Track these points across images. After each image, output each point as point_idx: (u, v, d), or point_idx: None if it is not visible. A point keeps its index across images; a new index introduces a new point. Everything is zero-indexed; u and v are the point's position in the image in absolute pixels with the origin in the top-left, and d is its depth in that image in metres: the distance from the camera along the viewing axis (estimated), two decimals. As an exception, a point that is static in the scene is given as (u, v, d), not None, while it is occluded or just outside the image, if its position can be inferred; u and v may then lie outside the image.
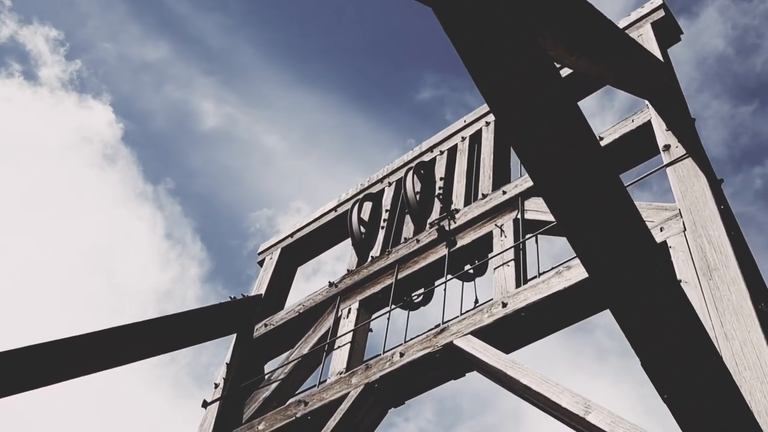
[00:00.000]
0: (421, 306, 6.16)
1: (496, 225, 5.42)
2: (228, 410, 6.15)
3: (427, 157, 7.04)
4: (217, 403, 6.22)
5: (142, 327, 6.06)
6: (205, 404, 6.31)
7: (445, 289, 5.42)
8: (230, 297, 7.08)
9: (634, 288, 2.27)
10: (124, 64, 24.77)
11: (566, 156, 2.20)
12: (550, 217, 5.09)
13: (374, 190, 7.35)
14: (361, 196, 7.20)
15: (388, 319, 5.66)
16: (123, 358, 6.01)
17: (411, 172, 6.66)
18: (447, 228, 5.79)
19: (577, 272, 4.39)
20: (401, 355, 5.03)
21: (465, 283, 5.79)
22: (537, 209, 5.28)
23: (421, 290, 5.69)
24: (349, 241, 7.76)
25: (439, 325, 5.02)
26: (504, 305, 4.65)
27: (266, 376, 6.26)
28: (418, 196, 6.42)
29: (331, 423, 4.98)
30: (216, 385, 6.52)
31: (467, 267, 5.53)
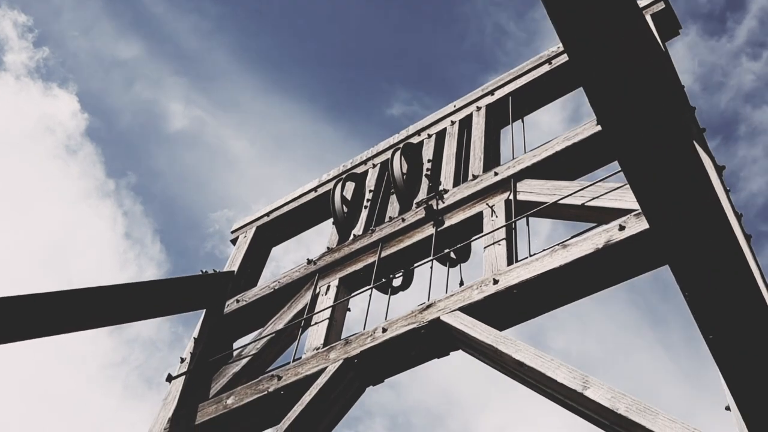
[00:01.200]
0: (401, 290, 5.99)
1: (487, 204, 5.27)
2: (194, 385, 5.88)
3: (414, 140, 6.88)
4: (183, 377, 5.96)
5: (106, 292, 5.76)
6: (169, 378, 6.03)
7: (431, 269, 5.26)
8: (201, 271, 6.82)
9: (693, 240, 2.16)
10: (94, 60, 24.27)
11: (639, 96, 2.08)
12: (543, 199, 4.97)
13: (358, 171, 7.17)
14: (344, 176, 7.01)
15: (370, 296, 5.47)
16: (84, 322, 5.68)
17: (398, 152, 6.50)
18: (435, 207, 5.63)
19: (577, 250, 4.26)
20: (384, 330, 4.84)
21: (451, 268, 5.65)
22: (530, 191, 5.15)
23: (405, 269, 5.50)
24: (324, 225, 7.62)
25: (424, 303, 4.85)
26: (495, 282, 4.49)
27: (236, 352, 6.00)
28: (404, 176, 6.25)
29: (306, 398, 4.77)
30: (182, 360, 6.24)
31: (450, 250, 5.36)
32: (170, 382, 6.04)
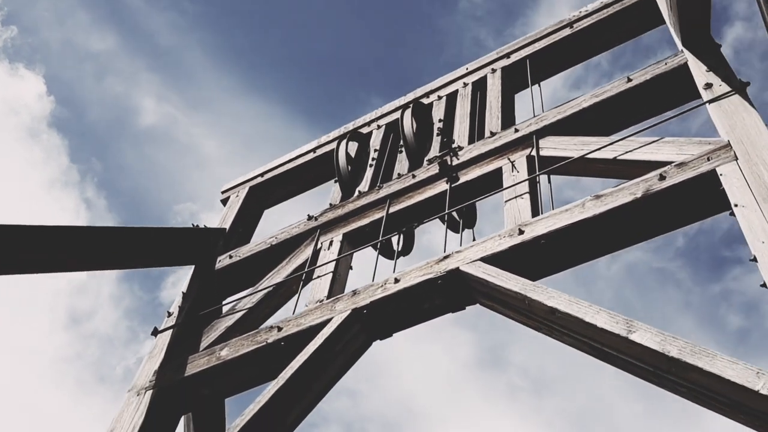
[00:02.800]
0: (402, 255, 5.71)
1: (508, 159, 5.01)
2: (183, 339, 5.53)
3: (423, 101, 6.60)
4: (170, 331, 5.60)
5: (89, 232, 5.36)
6: (155, 332, 5.67)
7: (446, 222, 4.98)
8: (192, 224, 6.46)
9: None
10: (67, 50, 23.65)
11: None
12: (569, 154, 4.73)
13: (362, 131, 6.87)
14: (348, 134, 6.70)
15: (378, 250, 5.18)
16: (62, 262, 5.24)
17: (409, 110, 6.21)
18: (449, 164, 5.36)
19: (612, 200, 4.01)
20: (396, 281, 4.55)
21: (455, 233, 5.39)
22: (554, 146, 4.91)
23: (419, 222, 5.20)
24: (320, 189, 7.33)
25: (441, 254, 4.56)
26: (521, 232, 4.23)
27: (229, 306, 5.66)
28: (415, 133, 5.96)
29: (311, 347, 4.45)
30: (169, 314, 5.89)
31: (467, 203, 5.07)
32: (156, 336, 5.68)
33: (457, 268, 4.31)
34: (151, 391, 5.04)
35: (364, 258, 5.77)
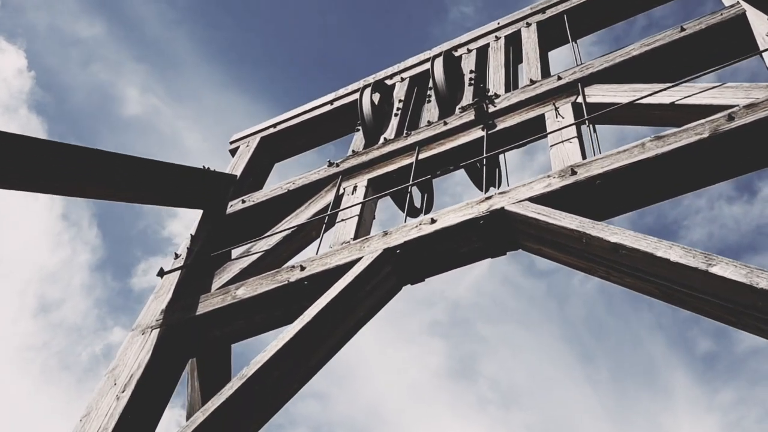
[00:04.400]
0: (421, 214, 5.43)
1: (554, 104, 4.75)
2: (191, 279, 5.20)
3: (453, 54, 6.32)
4: (178, 272, 5.27)
5: (91, 154, 4.92)
6: (161, 273, 5.34)
7: (485, 166, 4.70)
8: (203, 166, 6.12)
9: None
10: (53, 34, 23.08)
11: None
12: (620, 101, 4.47)
13: (386, 83, 6.57)
14: (371, 84, 6.39)
15: (410, 193, 4.89)
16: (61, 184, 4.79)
17: (440, 58, 5.93)
18: (486, 110, 5.08)
19: (675, 140, 3.75)
20: (432, 221, 4.26)
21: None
22: (602, 93, 4.65)
23: (455, 167, 4.90)
24: (332, 145, 7.02)
25: (481, 196, 4.29)
26: (574, 172, 3.96)
27: (245, 248, 5.33)
28: (446, 81, 5.68)
29: (340, 284, 4.16)
30: (176, 256, 5.56)
31: (508, 148, 4.79)
32: (162, 277, 5.35)
33: (502, 208, 4.03)
34: (158, 329, 4.72)
35: (385, 213, 5.49)
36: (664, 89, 4.26)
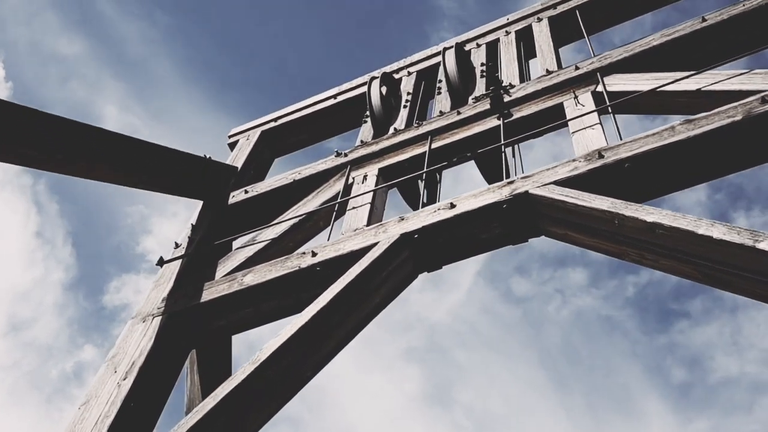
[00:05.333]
0: (426, 206, 5.28)
1: (574, 93, 4.64)
2: (193, 268, 5.01)
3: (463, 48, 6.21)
4: (179, 261, 5.07)
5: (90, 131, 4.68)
6: (161, 262, 5.14)
7: (503, 152, 4.57)
8: (204, 155, 5.94)
9: None
10: (33, 50, 22.81)
11: None
12: (640, 89, 4.38)
13: (393, 76, 6.44)
14: (378, 76, 6.26)
15: (423, 181, 4.74)
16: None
17: (451, 50, 5.82)
18: (501, 99, 4.97)
19: (707, 122, 3.65)
20: (452, 206, 4.12)
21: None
22: (623, 82, 4.56)
23: (472, 153, 4.75)
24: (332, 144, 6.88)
25: (503, 180, 4.15)
26: (601, 156, 3.84)
27: (250, 236, 5.15)
28: (458, 72, 5.57)
29: (356, 268, 3.99)
30: (177, 245, 5.36)
31: (527, 135, 4.67)
32: (161, 266, 5.15)
33: (526, 191, 3.90)
34: (159, 317, 4.51)
35: (388, 211, 5.33)
36: (689, 76, 4.17)
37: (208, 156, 5.95)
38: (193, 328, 4.55)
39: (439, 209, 4.15)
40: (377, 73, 6.64)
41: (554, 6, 6.05)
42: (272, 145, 6.88)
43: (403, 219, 4.25)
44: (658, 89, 4.25)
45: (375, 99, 5.81)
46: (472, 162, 4.97)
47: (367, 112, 5.99)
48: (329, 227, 4.82)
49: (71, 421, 3.87)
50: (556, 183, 3.85)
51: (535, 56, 5.79)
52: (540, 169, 4.04)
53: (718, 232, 2.99)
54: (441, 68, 6.03)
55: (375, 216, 4.69)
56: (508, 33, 6.06)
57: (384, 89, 6.26)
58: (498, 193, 4.02)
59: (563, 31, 5.93)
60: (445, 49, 5.93)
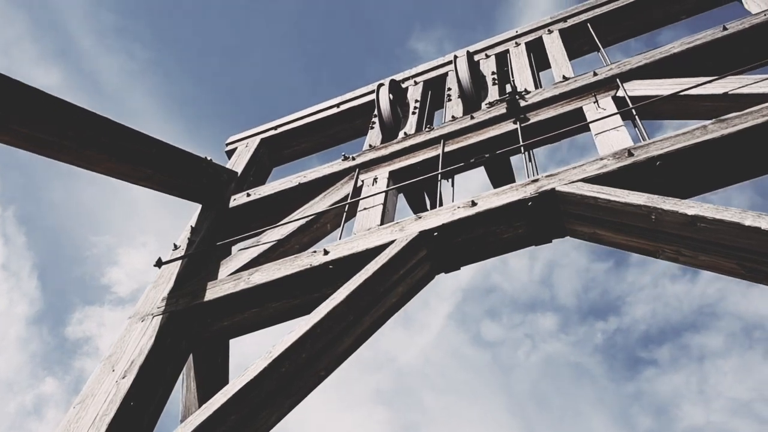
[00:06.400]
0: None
1: (594, 96, 4.55)
2: (192, 272, 4.79)
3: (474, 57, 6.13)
4: (178, 262, 4.85)
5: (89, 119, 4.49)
6: (159, 263, 4.90)
7: (524, 152, 4.44)
8: (205, 158, 5.75)
9: None
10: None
11: None
12: (662, 93, 4.29)
13: (401, 85, 6.33)
14: (385, 83, 6.14)
15: (440, 181, 4.59)
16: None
17: (463, 57, 5.73)
18: (518, 104, 4.86)
19: (742, 121, 3.56)
20: (473, 203, 3.97)
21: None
22: (644, 87, 4.48)
23: (491, 153, 4.60)
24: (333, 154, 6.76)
25: (526, 179, 4.02)
26: (631, 154, 3.73)
27: (252, 240, 4.94)
28: (471, 79, 5.47)
29: (373, 266, 3.80)
30: (176, 246, 5.14)
31: (545, 137, 4.56)
32: (160, 267, 4.92)
33: (553, 189, 3.77)
34: (160, 316, 4.28)
35: (399, 213, 5.18)
36: (715, 80, 4.09)
37: (209, 158, 5.77)
38: (194, 328, 4.32)
39: (458, 207, 4.00)
40: (384, 81, 6.54)
41: (564, 19, 6.01)
42: (272, 154, 6.72)
43: (420, 218, 4.09)
44: (683, 92, 4.17)
45: (384, 104, 5.69)
46: (468, 174, 4.89)
47: (374, 119, 5.87)
48: (338, 229, 4.65)
49: (66, 420, 3.61)
50: (584, 180, 3.73)
51: (545, 68, 5.74)
52: (565, 168, 3.91)
53: (766, 223, 2.87)
54: (451, 76, 5.97)
55: (387, 218, 4.52)
56: (518, 44, 5.99)
57: (391, 96, 6.14)
58: (522, 191, 3.88)
59: (574, 43, 5.88)
60: (456, 56, 5.84)
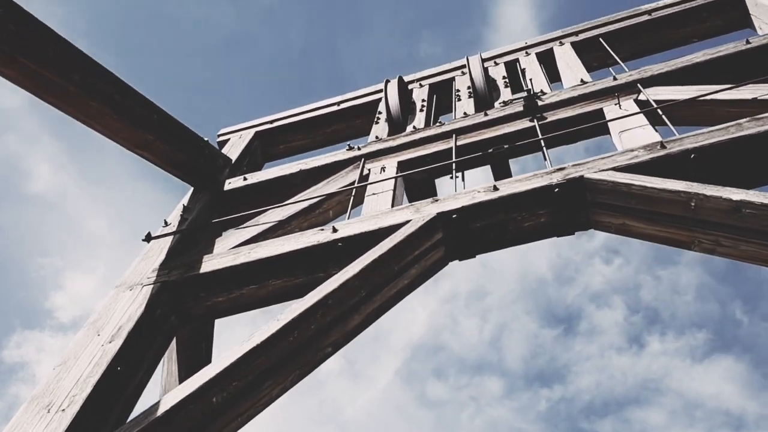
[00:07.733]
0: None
1: (617, 97, 4.46)
2: (186, 244, 4.52)
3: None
4: (169, 237, 4.59)
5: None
6: (149, 238, 4.62)
7: (544, 146, 4.31)
8: (203, 138, 5.51)
9: None
10: None
11: None
12: (683, 97, 4.22)
13: (408, 86, 6.20)
14: (396, 80, 6.00)
15: (454, 171, 4.42)
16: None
17: (476, 57, 5.64)
18: (535, 102, 4.76)
19: (779, 117, 3.48)
20: (495, 188, 3.81)
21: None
22: (666, 92, 4.41)
23: (510, 145, 4.44)
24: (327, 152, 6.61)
25: (552, 167, 3.88)
26: (663, 146, 3.62)
27: (253, 218, 4.70)
28: (484, 78, 5.36)
29: (387, 243, 3.60)
30: (167, 223, 4.87)
31: (561, 131, 4.44)
32: (149, 242, 4.64)
33: (581, 176, 3.63)
34: (150, 286, 4.00)
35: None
36: (740, 85, 4.03)
37: (206, 139, 5.54)
38: (186, 302, 4.04)
39: (478, 192, 3.83)
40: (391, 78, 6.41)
41: (576, 33, 5.98)
42: (265, 148, 6.50)
43: (437, 200, 3.91)
44: (709, 96, 4.10)
45: (393, 98, 5.54)
46: (468, 176, 4.77)
47: (379, 115, 5.72)
48: (344, 214, 4.44)
49: (45, 382, 3.29)
50: (615, 170, 3.60)
51: (555, 81, 5.67)
52: (592, 158, 3.78)
53: (821, 207, 2.76)
54: (458, 79, 5.88)
55: (397, 204, 4.34)
56: (528, 54, 5.93)
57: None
58: (547, 178, 3.73)
59: (585, 56, 5.83)
60: (469, 57, 5.75)
